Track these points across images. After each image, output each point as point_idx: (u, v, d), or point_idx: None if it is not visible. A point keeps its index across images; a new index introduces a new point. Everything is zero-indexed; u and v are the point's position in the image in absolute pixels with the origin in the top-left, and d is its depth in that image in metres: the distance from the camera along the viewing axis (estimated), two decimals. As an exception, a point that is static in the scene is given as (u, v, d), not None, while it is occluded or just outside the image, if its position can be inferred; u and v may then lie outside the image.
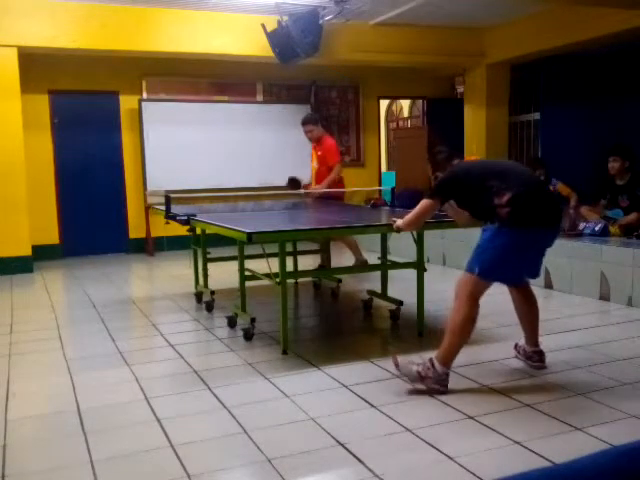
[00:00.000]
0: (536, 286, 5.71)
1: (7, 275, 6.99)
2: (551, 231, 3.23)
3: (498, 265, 3.11)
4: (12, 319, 5.08)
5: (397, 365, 3.21)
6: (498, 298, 3.64)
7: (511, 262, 3.14)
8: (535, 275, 3.36)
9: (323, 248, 6.27)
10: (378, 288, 5.06)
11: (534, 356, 3.52)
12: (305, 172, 9.28)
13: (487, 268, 3.10)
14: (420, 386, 3.14)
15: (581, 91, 8.99)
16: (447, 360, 3.13)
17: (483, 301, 3.19)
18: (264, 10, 7.22)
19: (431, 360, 3.13)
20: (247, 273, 4.54)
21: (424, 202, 3.35)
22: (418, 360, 3.24)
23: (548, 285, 5.67)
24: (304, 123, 6.50)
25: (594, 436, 2.62)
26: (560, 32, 7.51)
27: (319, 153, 6.52)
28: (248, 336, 4.23)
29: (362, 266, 6.02)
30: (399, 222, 3.55)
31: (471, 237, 6.66)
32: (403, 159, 10.34)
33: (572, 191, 6.49)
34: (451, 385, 3.25)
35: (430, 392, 3.11)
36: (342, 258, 7.62)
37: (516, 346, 3.68)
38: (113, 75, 8.46)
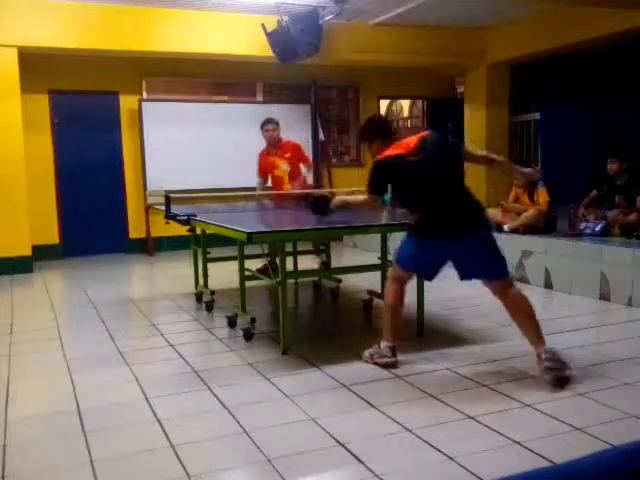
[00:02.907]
0: (536, 286, 5.75)
1: (7, 275, 6.99)
2: (452, 243, 3.42)
3: (405, 256, 3.60)
4: (12, 319, 5.08)
5: (363, 359, 3.69)
6: (493, 300, 3.62)
7: (412, 258, 3.57)
8: (428, 278, 3.74)
9: (317, 248, 6.27)
10: (378, 288, 5.05)
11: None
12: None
13: (399, 256, 3.64)
14: (373, 363, 3.60)
15: (581, 91, 9.00)
16: (385, 334, 3.62)
17: (483, 302, 3.20)
18: (264, 10, 7.22)
19: (378, 342, 3.65)
20: (247, 273, 4.54)
21: (364, 198, 3.69)
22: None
23: (548, 285, 5.67)
24: (271, 122, 6.44)
25: (594, 436, 2.62)
26: (560, 32, 7.51)
27: (287, 155, 6.41)
28: (248, 336, 4.23)
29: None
30: (337, 200, 4.01)
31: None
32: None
33: (546, 201, 6.17)
34: (451, 385, 3.25)
35: (383, 366, 3.54)
36: (342, 258, 7.62)
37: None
38: (113, 75, 8.46)
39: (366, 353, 3.67)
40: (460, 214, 3.42)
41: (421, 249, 3.52)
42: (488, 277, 3.46)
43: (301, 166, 6.50)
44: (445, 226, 3.39)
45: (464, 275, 3.53)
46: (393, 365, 3.55)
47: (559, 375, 3.20)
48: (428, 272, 3.66)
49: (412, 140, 3.46)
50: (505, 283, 3.44)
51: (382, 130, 3.72)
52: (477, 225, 3.46)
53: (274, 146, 6.44)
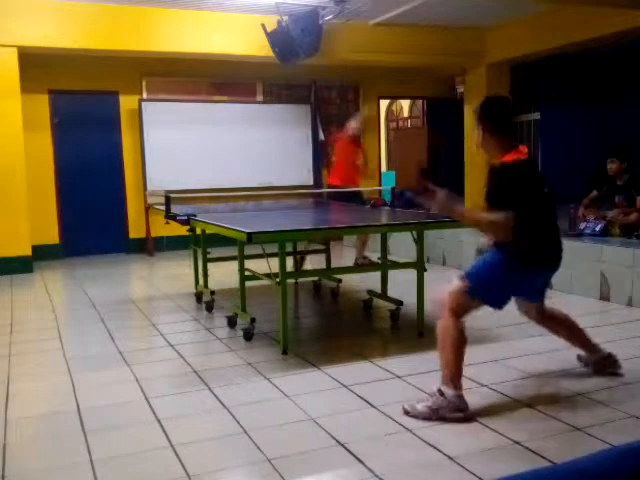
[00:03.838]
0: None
1: (7, 275, 6.99)
2: (549, 271, 3.13)
3: (488, 287, 2.97)
4: (12, 319, 5.08)
5: (407, 412, 2.92)
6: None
7: (499, 289, 2.99)
8: (500, 307, 3.08)
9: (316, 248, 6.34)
10: (378, 288, 5.06)
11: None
12: (302, 172, 9.34)
13: (477, 284, 2.94)
14: (437, 419, 2.84)
15: (581, 91, 9.00)
16: (450, 380, 2.88)
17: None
18: (264, 10, 7.22)
19: (439, 389, 2.89)
20: (247, 273, 4.54)
21: (500, 217, 2.79)
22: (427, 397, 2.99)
23: (548, 285, 5.67)
24: (357, 117, 7.26)
25: (594, 436, 2.62)
26: (560, 32, 7.51)
27: (362, 153, 7.03)
28: (248, 336, 4.23)
29: (365, 265, 6.06)
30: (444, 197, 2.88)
31: (471, 237, 6.71)
32: (403, 159, 10.36)
33: None
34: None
35: (455, 421, 2.83)
36: (342, 258, 7.62)
37: (579, 357, 3.46)
38: (113, 75, 8.46)
39: (420, 407, 2.88)
40: (560, 242, 3.08)
41: (517, 279, 2.99)
42: (537, 299, 3.23)
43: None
44: (557, 253, 3.04)
45: (529, 299, 3.22)
46: (470, 419, 2.85)
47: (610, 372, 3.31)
48: (504, 302, 3.08)
49: (524, 150, 2.99)
50: (543, 302, 3.28)
51: (508, 123, 3.07)
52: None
53: (356, 140, 7.03)
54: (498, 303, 3.05)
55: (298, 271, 5.95)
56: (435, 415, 2.83)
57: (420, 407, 2.88)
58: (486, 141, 2.98)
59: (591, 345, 3.31)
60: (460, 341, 2.94)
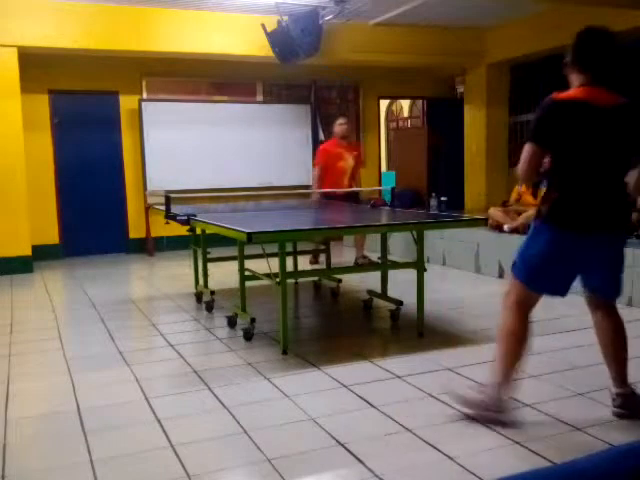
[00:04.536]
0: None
1: (7, 275, 6.99)
2: (584, 240, 2.64)
3: (536, 265, 2.66)
4: (12, 319, 5.08)
5: (452, 395, 2.83)
6: (493, 300, 3.62)
7: (541, 268, 2.67)
8: (559, 292, 2.74)
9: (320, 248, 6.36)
10: (378, 288, 5.06)
11: (617, 399, 2.76)
12: (302, 172, 9.34)
13: (528, 275, 2.67)
14: (475, 415, 2.76)
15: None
16: (498, 379, 2.71)
17: (483, 302, 3.19)
18: (264, 10, 7.22)
19: (489, 385, 2.72)
20: (247, 273, 4.54)
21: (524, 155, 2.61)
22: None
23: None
24: (344, 116, 7.20)
25: (594, 436, 2.62)
26: (560, 32, 7.48)
27: (355, 153, 6.97)
28: (248, 336, 4.23)
29: (363, 265, 6.08)
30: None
31: (471, 237, 6.71)
32: (403, 159, 10.36)
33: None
34: (451, 385, 3.25)
35: (485, 421, 2.71)
36: (342, 258, 7.62)
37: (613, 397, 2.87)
38: (113, 75, 8.46)
39: (466, 395, 2.79)
40: (613, 205, 2.64)
41: (551, 250, 2.63)
42: (610, 295, 2.83)
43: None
44: (592, 219, 2.60)
45: (592, 286, 2.83)
46: (512, 425, 2.68)
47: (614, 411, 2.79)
48: (552, 285, 2.72)
49: (611, 96, 2.64)
50: (614, 303, 2.87)
51: (592, 59, 2.67)
52: (623, 225, 2.73)
53: (343, 139, 6.91)
54: (544, 286, 2.70)
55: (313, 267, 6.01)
56: (475, 410, 2.74)
57: (467, 395, 2.79)
58: (568, 73, 2.70)
59: (621, 375, 2.79)
60: (514, 340, 2.69)
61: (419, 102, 11.91)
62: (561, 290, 2.73)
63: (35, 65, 7.62)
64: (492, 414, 2.70)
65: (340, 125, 6.92)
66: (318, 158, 7.04)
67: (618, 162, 2.63)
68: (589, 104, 2.57)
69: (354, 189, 6.81)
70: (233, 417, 2.93)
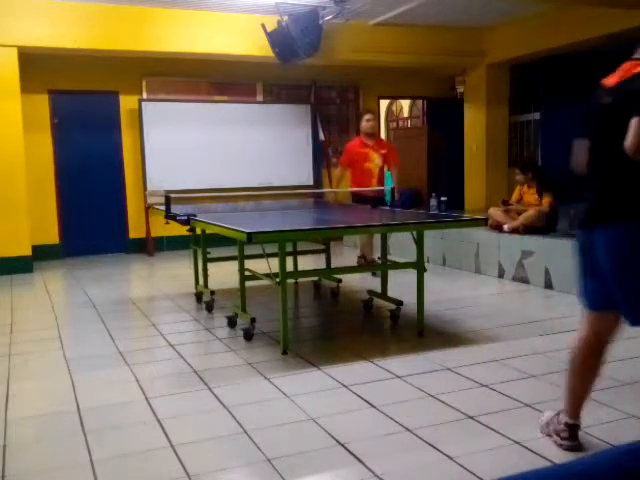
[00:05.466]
0: (536, 286, 5.75)
1: (7, 275, 6.99)
2: (582, 234, 2.43)
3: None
4: (12, 319, 5.08)
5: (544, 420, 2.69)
6: (493, 300, 3.63)
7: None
8: (592, 305, 2.44)
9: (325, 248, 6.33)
10: (378, 288, 5.06)
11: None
12: (302, 172, 9.34)
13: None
14: (546, 434, 2.65)
15: (581, 91, 8.98)
16: (566, 406, 2.56)
17: (483, 302, 3.18)
18: (264, 10, 7.22)
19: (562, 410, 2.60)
20: (247, 273, 4.54)
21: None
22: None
23: (548, 285, 5.67)
24: (370, 111, 6.67)
25: (594, 436, 2.62)
26: (560, 32, 7.51)
27: (383, 151, 6.49)
28: (248, 336, 4.23)
29: (366, 265, 6.07)
30: None
31: (471, 237, 6.71)
32: (403, 159, 10.34)
33: (549, 202, 6.25)
34: (451, 385, 3.25)
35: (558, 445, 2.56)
36: (342, 258, 7.62)
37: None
38: (113, 75, 8.46)
39: (546, 415, 2.68)
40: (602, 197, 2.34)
41: (576, 252, 2.45)
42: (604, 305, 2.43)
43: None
44: (588, 210, 2.39)
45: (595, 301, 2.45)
46: (576, 448, 2.50)
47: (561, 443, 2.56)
48: (586, 294, 2.46)
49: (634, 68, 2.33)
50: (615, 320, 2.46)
51: None
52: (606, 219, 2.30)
53: (370, 138, 6.46)
54: (583, 297, 2.46)
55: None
56: (546, 430, 2.64)
57: (546, 415, 2.70)
58: None
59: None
60: (583, 364, 2.48)
61: (419, 102, 11.91)
62: (588, 300, 2.48)
63: (35, 65, 7.62)
64: (565, 442, 2.54)
65: (367, 121, 6.46)
66: (342, 157, 6.71)
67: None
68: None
69: (376, 188, 6.28)
70: (233, 417, 2.93)
